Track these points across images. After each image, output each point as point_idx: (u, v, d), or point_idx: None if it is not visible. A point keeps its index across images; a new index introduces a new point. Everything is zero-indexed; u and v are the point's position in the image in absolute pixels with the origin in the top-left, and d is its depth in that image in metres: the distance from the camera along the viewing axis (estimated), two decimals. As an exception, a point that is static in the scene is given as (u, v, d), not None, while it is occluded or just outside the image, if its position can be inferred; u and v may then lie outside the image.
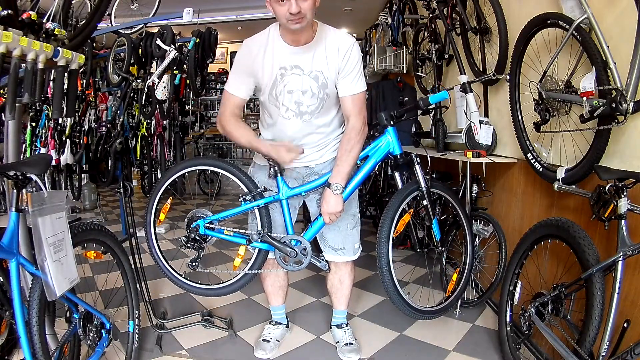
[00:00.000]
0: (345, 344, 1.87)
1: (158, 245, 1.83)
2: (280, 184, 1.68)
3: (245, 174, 1.74)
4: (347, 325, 1.95)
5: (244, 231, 1.74)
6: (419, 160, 1.73)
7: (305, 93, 1.63)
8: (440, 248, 1.82)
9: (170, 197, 1.89)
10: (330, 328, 2.01)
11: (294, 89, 1.63)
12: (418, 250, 1.81)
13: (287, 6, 1.41)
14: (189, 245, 1.75)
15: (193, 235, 1.74)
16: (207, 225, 1.74)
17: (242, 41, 1.70)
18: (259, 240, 1.70)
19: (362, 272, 2.91)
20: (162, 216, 1.82)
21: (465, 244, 1.96)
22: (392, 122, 1.71)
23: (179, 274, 1.83)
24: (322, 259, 1.75)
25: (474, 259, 1.99)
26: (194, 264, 1.75)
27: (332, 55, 1.59)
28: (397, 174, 1.79)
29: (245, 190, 1.72)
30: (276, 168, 1.65)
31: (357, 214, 1.84)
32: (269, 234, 1.71)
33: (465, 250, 1.96)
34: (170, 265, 1.84)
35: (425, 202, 1.73)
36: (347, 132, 1.65)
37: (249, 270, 1.75)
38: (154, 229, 1.83)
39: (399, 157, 1.72)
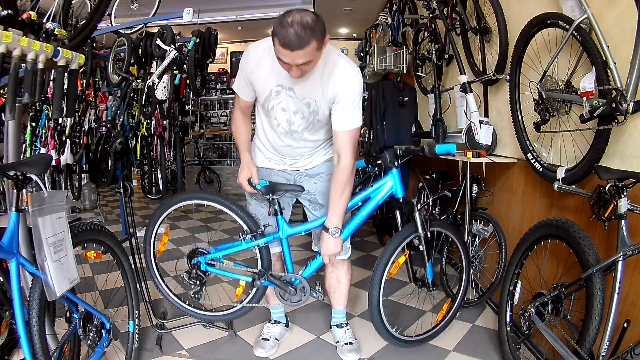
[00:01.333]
0: (345, 344, 1.87)
1: (161, 275, 1.89)
2: (280, 222, 1.70)
3: (244, 212, 1.75)
4: (347, 325, 1.96)
5: (247, 270, 1.78)
6: (419, 206, 1.72)
7: (297, 114, 1.62)
8: (433, 289, 1.85)
9: (168, 227, 1.91)
10: (330, 328, 2.01)
11: (287, 109, 1.62)
12: (412, 283, 1.85)
13: (288, 67, 1.38)
14: (191, 281, 1.79)
15: (195, 272, 1.78)
16: (209, 262, 1.79)
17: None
18: (264, 280, 1.74)
19: (361, 272, 2.91)
20: (161, 247, 1.85)
21: (461, 276, 2.01)
22: (396, 164, 1.68)
23: (183, 301, 1.89)
24: (318, 290, 1.77)
25: (467, 288, 2.05)
26: (196, 296, 1.79)
27: (329, 85, 1.54)
28: (397, 213, 1.80)
29: (245, 228, 1.73)
30: (276, 207, 1.67)
31: (348, 212, 1.85)
32: (271, 273, 1.75)
33: (461, 281, 2.01)
34: (174, 293, 1.89)
35: (421, 248, 1.74)
36: (339, 172, 1.59)
37: (247, 303, 1.80)
38: (155, 260, 1.87)
39: (401, 200, 1.71)
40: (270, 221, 1.76)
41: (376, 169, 3.45)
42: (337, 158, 1.62)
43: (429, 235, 1.72)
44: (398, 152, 1.69)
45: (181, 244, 3.46)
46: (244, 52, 1.64)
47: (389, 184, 1.69)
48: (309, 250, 1.86)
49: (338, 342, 1.92)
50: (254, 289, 1.79)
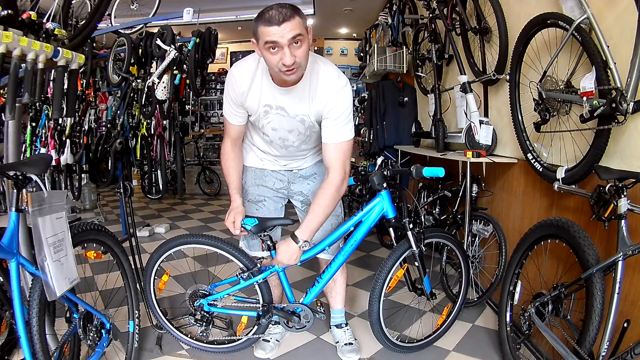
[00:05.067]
0: (345, 344, 1.87)
1: (164, 311, 1.90)
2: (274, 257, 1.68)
3: (241, 252, 1.74)
4: (346, 325, 1.95)
5: (249, 305, 1.78)
6: (411, 225, 1.69)
7: (292, 132, 1.61)
8: (432, 299, 1.86)
9: (168, 270, 1.92)
10: (330, 328, 2.01)
11: (279, 128, 1.60)
12: (411, 290, 1.88)
13: (280, 55, 1.30)
14: (197, 324, 1.79)
15: (200, 313, 1.79)
16: (211, 302, 1.79)
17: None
18: (270, 315, 1.74)
19: (360, 272, 2.91)
20: (161, 285, 1.86)
21: (461, 280, 2.01)
22: (384, 186, 1.66)
23: (188, 337, 1.88)
24: (320, 309, 1.76)
25: (467, 293, 2.06)
26: (203, 334, 1.80)
27: (318, 99, 1.51)
28: (392, 231, 1.80)
29: (241, 266, 1.73)
30: (269, 243, 1.65)
31: (341, 215, 1.87)
32: (274, 306, 1.75)
33: (460, 284, 2.02)
34: (179, 330, 1.90)
35: (417, 264, 1.74)
36: (325, 186, 1.52)
37: (253, 335, 1.81)
38: (156, 300, 1.87)
39: (393, 220, 1.69)
40: (264, 253, 1.72)
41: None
42: (326, 172, 1.56)
43: (423, 250, 1.73)
44: (386, 173, 1.67)
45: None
46: (229, 76, 1.57)
47: (379, 206, 1.67)
48: (303, 268, 1.86)
49: (338, 342, 1.92)
50: (259, 325, 1.79)
